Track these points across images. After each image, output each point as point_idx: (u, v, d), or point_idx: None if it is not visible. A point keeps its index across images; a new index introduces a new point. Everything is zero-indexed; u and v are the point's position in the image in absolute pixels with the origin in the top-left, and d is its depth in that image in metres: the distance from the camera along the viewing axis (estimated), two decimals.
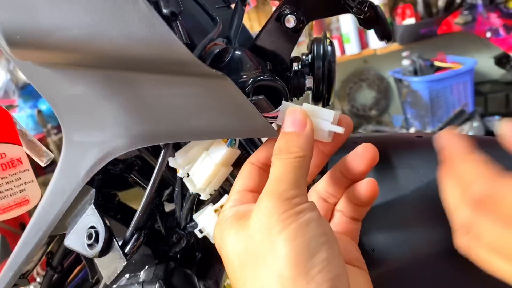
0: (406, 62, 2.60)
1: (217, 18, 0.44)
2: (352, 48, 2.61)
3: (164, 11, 0.34)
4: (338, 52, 2.66)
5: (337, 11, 0.39)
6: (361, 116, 3.01)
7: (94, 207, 0.38)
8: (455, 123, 2.55)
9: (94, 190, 0.40)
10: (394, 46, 2.52)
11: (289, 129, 0.31)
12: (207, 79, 0.32)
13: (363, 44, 2.66)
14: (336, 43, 2.65)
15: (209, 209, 0.37)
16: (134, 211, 0.47)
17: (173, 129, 0.35)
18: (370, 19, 0.39)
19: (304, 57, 0.44)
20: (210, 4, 0.56)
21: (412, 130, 2.74)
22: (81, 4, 0.28)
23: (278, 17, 0.40)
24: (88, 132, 0.39)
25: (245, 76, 0.36)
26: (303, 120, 0.31)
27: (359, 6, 0.37)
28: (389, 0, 2.61)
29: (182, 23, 0.38)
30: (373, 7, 0.39)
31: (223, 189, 0.42)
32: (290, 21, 0.39)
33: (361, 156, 0.34)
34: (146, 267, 0.48)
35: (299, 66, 0.44)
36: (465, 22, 2.32)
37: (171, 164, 0.39)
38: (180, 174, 0.39)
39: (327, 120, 0.33)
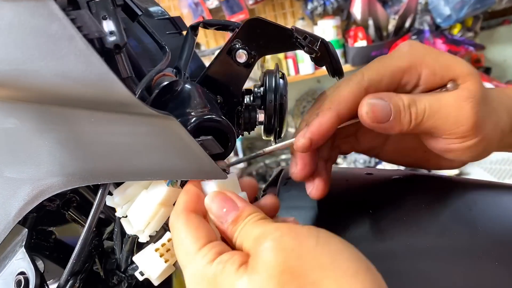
0: None
1: (166, 47, 0.42)
2: (306, 68, 2.65)
3: (107, 43, 0.32)
4: (292, 72, 2.69)
5: (289, 47, 0.39)
6: None
7: (25, 250, 0.35)
8: None
9: (26, 230, 0.37)
10: (346, 67, 2.58)
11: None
12: (151, 118, 0.30)
13: None
14: (290, 62, 2.68)
15: (149, 248, 0.35)
16: (73, 249, 0.44)
17: (114, 168, 0.33)
18: (321, 57, 0.38)
19: (256, 89, 0.43)
20: (160, 30, 0.54)
21: None
22: (9, 37, 0.25)
23: (230, 51, 0.38)
24: (20, 168, 0.35)
25: (191, 113, 0.34)
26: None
27: (310, 45, 0.36)
28: (342, 23, 2.68)
29: (128, 53, 0.36)
30: (325, 44, 0.38)
31: (165, 229, 0.39)
32: (242, 56, 0.38)
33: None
34: None
35: (251, 99, 0.43)
36: None
37: (108, 203, 0.36)
38: (118, 213, 0.37)
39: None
